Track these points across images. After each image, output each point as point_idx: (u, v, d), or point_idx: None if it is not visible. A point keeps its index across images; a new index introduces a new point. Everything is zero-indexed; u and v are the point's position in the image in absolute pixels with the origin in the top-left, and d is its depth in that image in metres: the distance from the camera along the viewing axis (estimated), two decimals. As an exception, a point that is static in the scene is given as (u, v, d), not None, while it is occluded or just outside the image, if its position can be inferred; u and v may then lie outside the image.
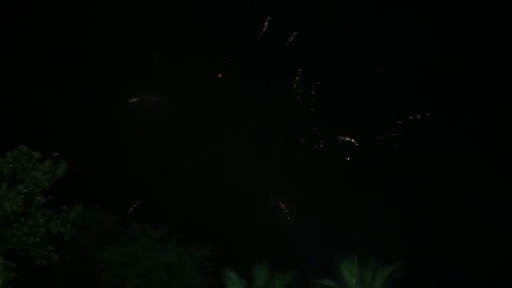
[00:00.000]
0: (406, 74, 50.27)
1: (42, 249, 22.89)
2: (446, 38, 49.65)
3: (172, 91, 51.67)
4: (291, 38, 52.64)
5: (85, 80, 48.08)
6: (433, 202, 44.17)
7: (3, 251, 21.99)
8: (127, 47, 50.87)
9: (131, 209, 46.07)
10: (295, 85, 52.74)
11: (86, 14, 49.23)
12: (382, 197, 43.75)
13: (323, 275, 30.61)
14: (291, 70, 53.33)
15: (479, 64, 48.67)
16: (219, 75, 53.16)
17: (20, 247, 22.56)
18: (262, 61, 51.63)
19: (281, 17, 53.40)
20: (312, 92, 53.03)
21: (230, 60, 51.98)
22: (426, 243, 40.63)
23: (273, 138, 52.10)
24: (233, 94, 50.86)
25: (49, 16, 48.36)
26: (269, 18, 52.73)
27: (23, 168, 22.68)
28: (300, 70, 53.28)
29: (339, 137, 50.96)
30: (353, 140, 50.78)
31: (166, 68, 51.83)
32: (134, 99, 51.67)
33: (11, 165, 22.53)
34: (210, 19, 50.99)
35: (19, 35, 46.85)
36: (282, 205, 47.48)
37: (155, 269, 31.44)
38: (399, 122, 50.64)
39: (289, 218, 46.89)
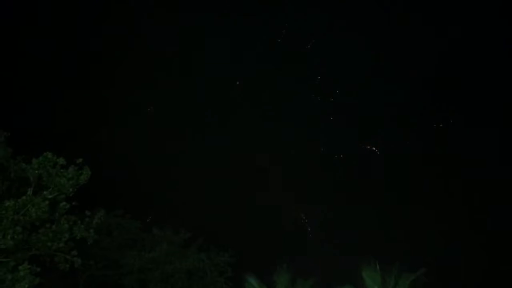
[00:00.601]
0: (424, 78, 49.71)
1: (66, 254, 23.32)
2: (467, 45, 48.92)
3: (188, 97, 51.97)
4: (309, 45, 52.45)
5: (104, 84, 48.72)
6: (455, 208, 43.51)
7: (29, 256, 22.39)
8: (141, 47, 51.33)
9: (153, 214, 46.41)
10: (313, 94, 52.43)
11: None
12: (402, 203, 43.36)
13: (345, 281, 30.39)
14: (309, 77, 53.05)
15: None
16: (237, 83, 53.28)
17: (45, 252, 22.96)
18: (279, 68, 51.53)
19: (297, 24, 53.20)
20: (331, 99, 52.66)
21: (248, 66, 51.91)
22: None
23: (292, 145, 51.84)
24: (250, 101, 50.95)
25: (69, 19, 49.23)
26: (286, 24, 52.64)
27: (48, 174, 23.15)
28: (319, 77, 53.03)
29: (362, 145, 50.51)
30: (374, 148, 50.27)
31: (182, 73, 52.15)
32: (152, 107, 52.08)
33: (36, 172, 23.01)
34: (229, 25, 51.19)
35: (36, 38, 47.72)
36: (302, 216, 47.27)
37: (177, 274, 31.57)
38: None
39: (309, 229, 46.64)
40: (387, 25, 50.95)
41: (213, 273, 33.67)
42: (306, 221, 47.89)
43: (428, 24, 50.05)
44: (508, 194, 42.32)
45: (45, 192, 22.81)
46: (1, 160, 23.39)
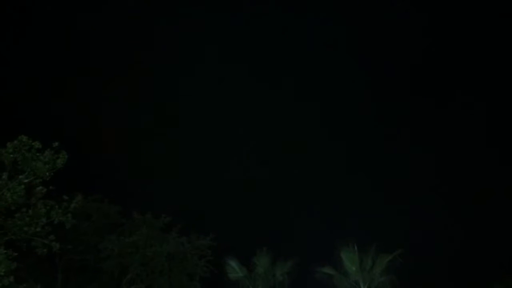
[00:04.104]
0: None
1: (44, 238, 23.14)
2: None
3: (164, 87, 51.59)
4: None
5: (83, 67, 48.05)
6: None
7: (5, 241, 22.19)
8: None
9: (132, 199, 46.14)
10: None
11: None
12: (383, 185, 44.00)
13: (323, 262, 30.92)
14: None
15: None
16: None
17: (21, 237, 22.78)
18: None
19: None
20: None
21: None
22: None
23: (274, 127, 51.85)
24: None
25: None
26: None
27: (23, 158, 22.85)
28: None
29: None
30: None
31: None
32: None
33: (11, 155, 22.69)
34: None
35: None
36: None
37: (157, 258, 31.61)
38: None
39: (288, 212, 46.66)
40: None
41: (194, 256, 33.78)
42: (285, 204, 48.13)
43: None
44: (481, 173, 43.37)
45: (20, 176, 22.57)
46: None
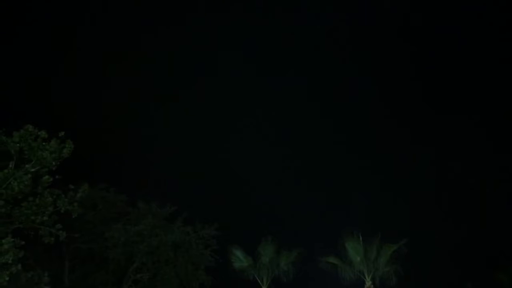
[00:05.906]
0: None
1: (51, 227, 23.34)
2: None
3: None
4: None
5: (87, 54, 47.93)
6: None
7: (12, 230, 22.37)
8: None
9: (138, 189, 46.30)
10: None
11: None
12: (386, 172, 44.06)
13: (328, 252, 31.06)
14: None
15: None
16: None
17: (28, 226, 22.97)
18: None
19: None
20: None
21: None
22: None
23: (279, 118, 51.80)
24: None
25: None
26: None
27: (29, 148, 22.97)
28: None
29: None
30: None
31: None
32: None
33: (17, 145, 22.80)
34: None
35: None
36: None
37: (162, 247, 31.83)
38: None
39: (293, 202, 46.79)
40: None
41: (199, 246, 34.00)
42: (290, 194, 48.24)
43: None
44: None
45: (27, 166, 22.69)
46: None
